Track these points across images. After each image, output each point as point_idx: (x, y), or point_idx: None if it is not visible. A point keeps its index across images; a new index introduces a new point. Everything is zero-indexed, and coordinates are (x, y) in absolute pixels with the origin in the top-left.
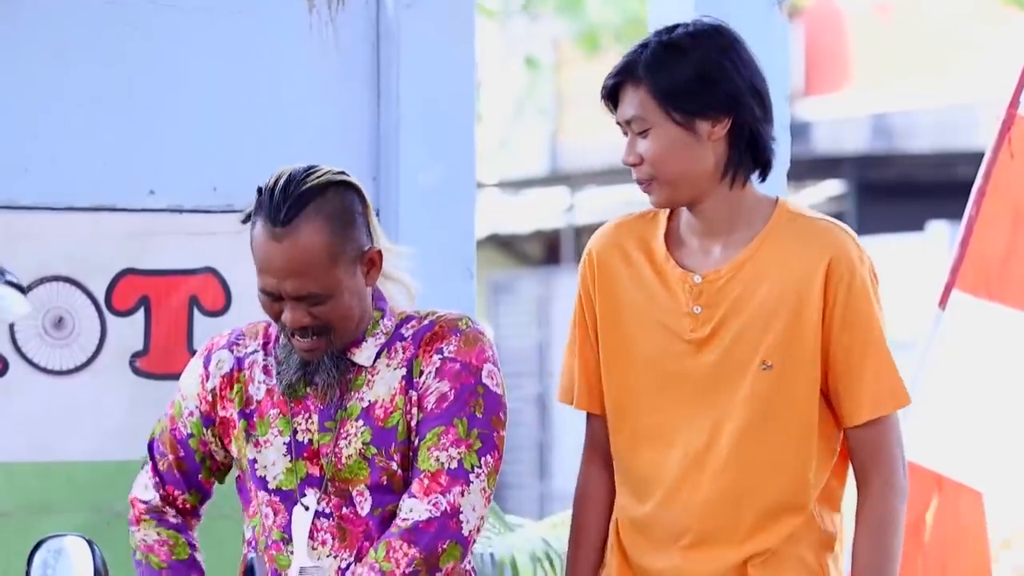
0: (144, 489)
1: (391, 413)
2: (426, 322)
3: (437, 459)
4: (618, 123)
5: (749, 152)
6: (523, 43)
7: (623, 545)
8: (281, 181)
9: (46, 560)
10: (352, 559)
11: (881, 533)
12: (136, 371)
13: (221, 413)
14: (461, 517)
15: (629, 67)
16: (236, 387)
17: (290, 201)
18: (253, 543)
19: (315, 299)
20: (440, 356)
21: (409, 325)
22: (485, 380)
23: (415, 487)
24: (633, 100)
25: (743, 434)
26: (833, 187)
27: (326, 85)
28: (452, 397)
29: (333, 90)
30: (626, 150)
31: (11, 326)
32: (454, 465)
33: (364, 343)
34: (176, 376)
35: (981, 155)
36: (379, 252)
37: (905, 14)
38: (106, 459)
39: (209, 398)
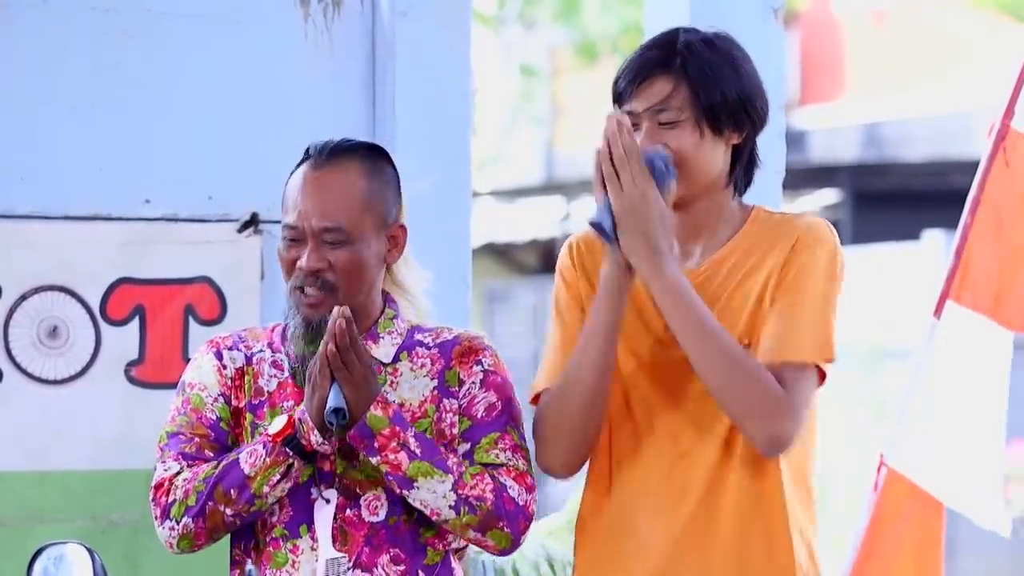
0: (166, 471)
1: (418, 419)
2: (447, 336)
3: (498, 457)
4: (629, 112)
5: (750, 162)
6: (518, 51)
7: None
8: (330, 140)
9: (46, 568)
10: (351, 563)
11: (743, 364)
12: (131, 380)
13: (234, 403)
14: (529, 519)
15: (666, 61)
16: (246, 379)
17: (336, 146)
18: (244, 544)
19: (337, 240)
20: (481, 368)
21: (424, 334)
22: (516, 396)
23: (503, 471)
24: (664, 92)
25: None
26: (828, 196)
27: (322, 93)
28: (500, 407)
29: (329, 98)
30: (651, 135)
31: (6, 335)
32: (525, 469)
33: (380, 340)
34: (172, 385)
35: (977, 164)
36: (403, 228)
37: (901, 23)
38: (101, 468)
39: (229, 383)
